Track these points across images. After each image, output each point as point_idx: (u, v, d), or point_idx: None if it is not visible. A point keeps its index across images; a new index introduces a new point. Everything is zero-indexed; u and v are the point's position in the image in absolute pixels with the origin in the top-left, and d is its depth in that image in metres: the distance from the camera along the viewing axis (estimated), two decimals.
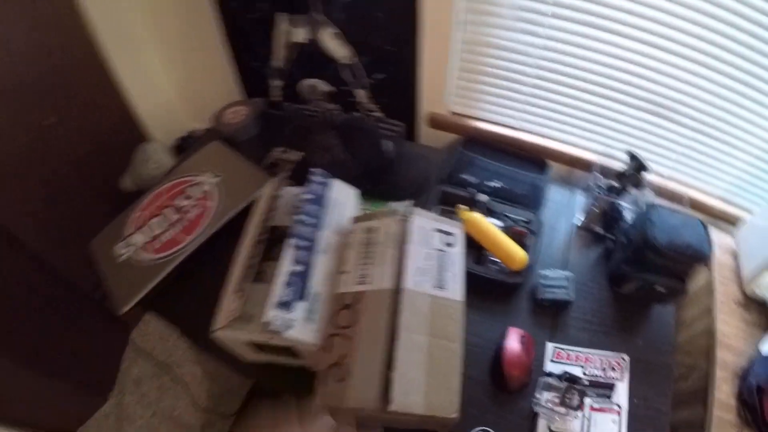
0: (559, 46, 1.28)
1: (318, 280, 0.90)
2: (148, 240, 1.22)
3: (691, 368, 1.28)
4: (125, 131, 1.83)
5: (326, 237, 0.96)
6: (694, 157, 1.39)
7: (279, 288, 0.85)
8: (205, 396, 1.99)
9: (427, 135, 1.59)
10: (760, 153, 1.31)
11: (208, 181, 1.33)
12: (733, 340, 1.24)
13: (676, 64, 1.21)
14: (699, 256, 1.09)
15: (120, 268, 1.19)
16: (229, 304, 0.91)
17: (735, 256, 1.37)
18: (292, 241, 0.91)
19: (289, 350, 0.90)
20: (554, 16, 1.22)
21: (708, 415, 1.14)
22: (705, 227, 1.14)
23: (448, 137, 1.57)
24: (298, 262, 0.90)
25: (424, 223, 0.92)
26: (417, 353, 0.77)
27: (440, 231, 0.93)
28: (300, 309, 0.85)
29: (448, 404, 0.76)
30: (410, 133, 1.59)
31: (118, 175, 1.80)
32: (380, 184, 1.14)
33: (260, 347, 0.92)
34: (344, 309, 0.84)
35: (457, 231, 0.95)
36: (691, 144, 1.36)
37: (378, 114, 1.53)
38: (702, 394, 1.20)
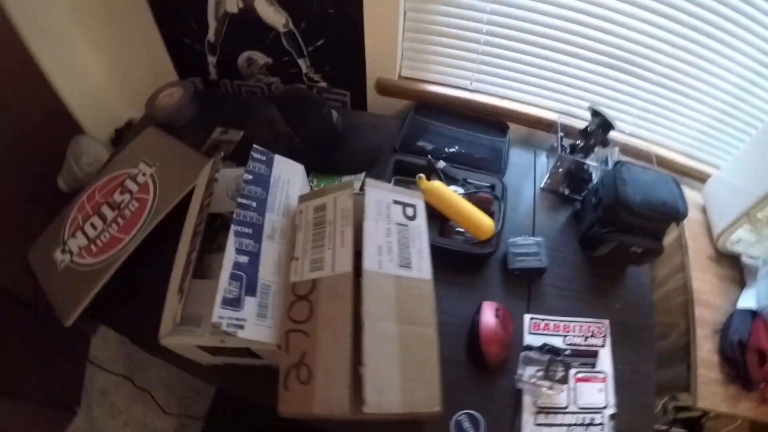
0: None
1: (267, 270, 0.80)
2: (86, 243, 1.13)
3: (670, 327, 1.25)
4: (56, 127, 1.69)
5: (273, 220, 0.86)
6: (656, 112, 1.35)
7: (224, 283, 0.74)
8: (174, 399, 1.94)
9: (376, 102, 1.50)
10: (723, 105, 1.29)
11: (144, 171, 1.22)
12: (709, 297, 1.22)
13: (632, 14, 1.16)
14: (675, 214, 1.05)
15: (61, 277, 1.09)
16: (172, 305, 0.82)
17: (704, 211, 1.36)
18: (235, 228, 0.80)
19: (247, 351, 0.81)
20: None
21: (692, 374, 1.13)
22: (678, 184, 1.10)
23: (399, 103, 1.49)
24: (242, 251, 0.79)
25: (380, 196, 0.82)
26: (387, 344, 0.68)
27: (399, 203, 0.84)
28: (250, 305, 0.75)
29: (428, 398, 0.68)
30: (358, 102, 1.51)
31: (54, 175, 1.66)
32: (329, 157, 1.05)
33: (214, 351, 0.83)
34: (299, 300, 0.75)
35: (418, 201, 0.86)
36: (652, 98, 1.33)
37: (322, 83, 1.44)
38: (683, 353, 1.18)
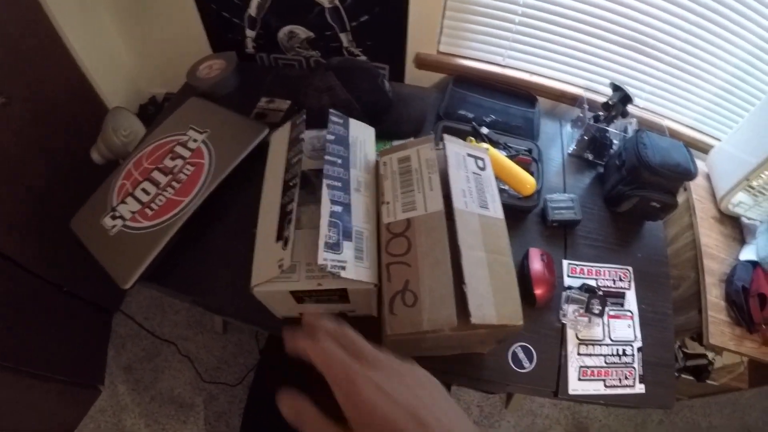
0: None
1: (359, 219, 0.89)
2: (139, 208, 1.14)
3: (681, 279, 1.39)
4: (82, 102, 1.71)
5: (357, 175, 0.95)
6: (668, 89, 1.50)
7: (324, 229, 0.82)
8: (202, 371, 1.98)
9: (413, 75, 1.60)
10: (726, 85, 1.45)
11: (195, 138, 1.25)
12: (714, 251, 1.36)
13: (653, 3, 1.30)
14: (688, 174, 1.19)
15: (113, 242, 1.10)
16: (271, 254, 0.86)
17: (708, 178, 1.51)
18: (327, 182, 0.88)
19: (338, 295, 0.89)
20: None
21: (704, 315, 1.26)
22: (688, 149, 1.24)
23: (435, 77, 1.59)
24: (336, 202, 0.87)
25: (457, 149, 0.93)
26: (480, 268, 0.79)
27: (471, 156, 0.95)
28: (348, 249, 0.83)
29: (514, 313, 0.79)
30: (395, 75, 1.60)
31: (77, 150, 1.68)
32: (381, 123, 1.14)
33: (301, 298, 0.90)
34: (396, 237, 0.84)
35: (485, 155, 0.98)
36: (665, 76, 1.47)
37: (362, 57, 1.53)
38: (694, 300, 1.32)
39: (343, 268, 0.81)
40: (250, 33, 1.57)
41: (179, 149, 1.25)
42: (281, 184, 0.96)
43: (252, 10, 1.50)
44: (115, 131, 1.64)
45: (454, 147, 0.93)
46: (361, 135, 1.04)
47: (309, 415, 0.43)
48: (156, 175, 1.21)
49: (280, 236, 0.87)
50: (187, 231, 1.11)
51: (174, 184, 1.17)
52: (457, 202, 0.84)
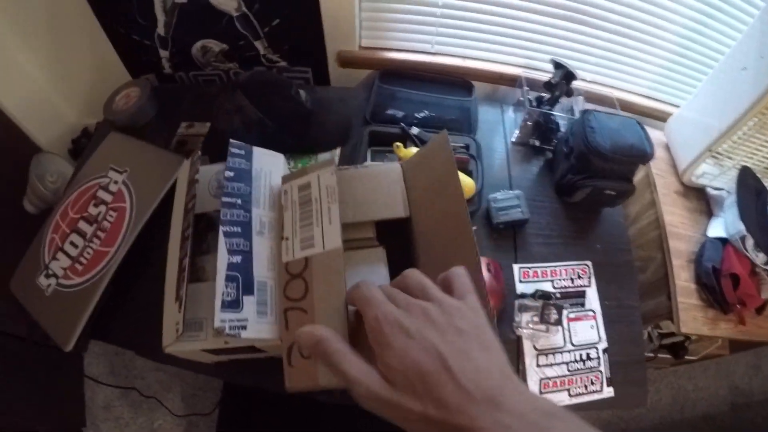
0: None
1: (262, 267, 0.80)
2: (70, 263, 1.09)
3: (648, 260, 1.33)
4: (10, 149, 1.63)
5: (260, 215, 0.85)
6: (614, 59, 1.40)
7: (221, 287, 0.73)
8: (179, 400, 1.95)
9: (339, 75, 1.50)
10: (677, 48, 1.35)
11: (116, 179, 1.19)
12: (680, 229, 1.29)
13: None
14: (643, 156, 1.10)
15: (50, 302, 1.07)
16: (172, 314, 0.82)
17: (667, 148, 1.42)
18: (224, 229, 0.78)
19: (250, 347, 0.81)
20: None
21: (673, 302, 1.19)
22: (642, 127, 1.14)
23: (362, 74, 1.49)
24: (234, 251, 0.78)
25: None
26: None
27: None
28: (249, 305, 0.75)
29: None
30: (320, 78, 1.50)
31: (13, 200, 1.62)
32: (303, 137, 1.05)
33: (218, 351, 0.84)
34: (293, 279, 0.74)
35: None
36: (609, 45, 1.37)
37: (282, 63, 1.44)
38: (663, 284, 1.25)
39: (244, 327, 0.73)
40: (163, 53, 1.47)
41: (101, 194, 1.18)
42: (180, 235, 0.89)
43: (160, 29, 1.40)
44: (40, 179, 1.58)
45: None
46: (267, 166, 0.93)
47: (330, 345, 0.43)
48: (82, 225, 1.15)
49: (178, 295, 0.82)
50: (118, 282, 1.07)
51: (99, 233, 1.12)
52: None
